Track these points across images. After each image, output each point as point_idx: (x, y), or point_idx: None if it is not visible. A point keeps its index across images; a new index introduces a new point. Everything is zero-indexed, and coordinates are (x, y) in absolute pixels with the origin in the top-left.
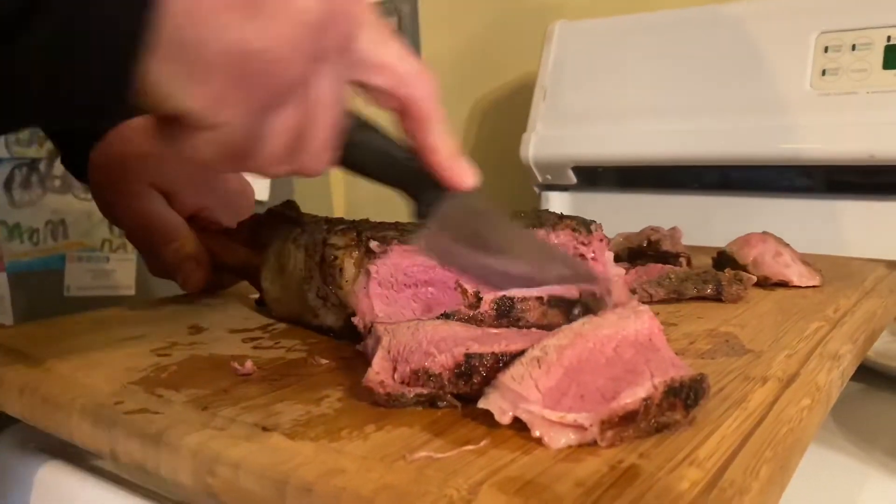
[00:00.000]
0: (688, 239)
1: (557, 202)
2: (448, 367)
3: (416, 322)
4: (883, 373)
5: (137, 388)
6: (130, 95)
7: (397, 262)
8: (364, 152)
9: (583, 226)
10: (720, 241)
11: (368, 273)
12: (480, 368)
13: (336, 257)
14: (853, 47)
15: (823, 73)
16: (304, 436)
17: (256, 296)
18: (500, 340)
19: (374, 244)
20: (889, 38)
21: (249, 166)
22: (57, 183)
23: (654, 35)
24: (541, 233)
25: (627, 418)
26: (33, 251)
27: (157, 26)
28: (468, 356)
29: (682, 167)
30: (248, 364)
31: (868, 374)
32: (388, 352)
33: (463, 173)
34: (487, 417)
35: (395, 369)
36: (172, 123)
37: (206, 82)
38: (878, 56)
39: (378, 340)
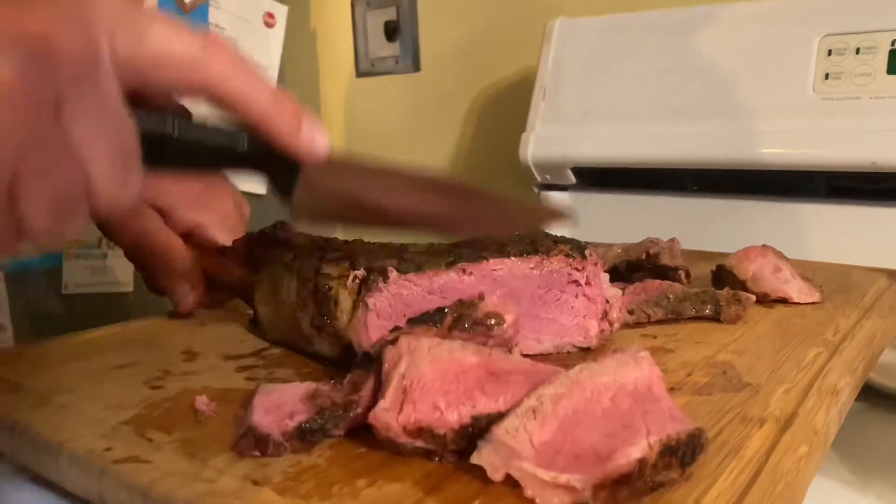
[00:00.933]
0: (687, 243)
1: (556, 202)
2: (454, 427)
3: (437, 345)
4: (884, 392)
5: (128, 430)
6: None
7: (396, 291)
8: (183, 148)
9: (577, 251)
10: (719, 245)
11: (367, 306)
12: (484, 428)
13: (331, 288)
14: (857, 51)
15: (826, 76)
16: (295, 492)
17: (251, 313)
18: (510, 384)
19: (366, 274)
20: (894, 42)
21: (27, 248)
22: None
23: (656, 34)
24: (535, 259)
25: (621, 481)
26: (30, 249)
27: None
28: (475, 419)
29: (683, 169)
30: (208, 406)
31: (868, 392)
32: (403, 378)
33: (311, 142)
34: (481, 471)
35: (402, 406)
36: None
37: None
38: (883, 60)
39: (397, 362)
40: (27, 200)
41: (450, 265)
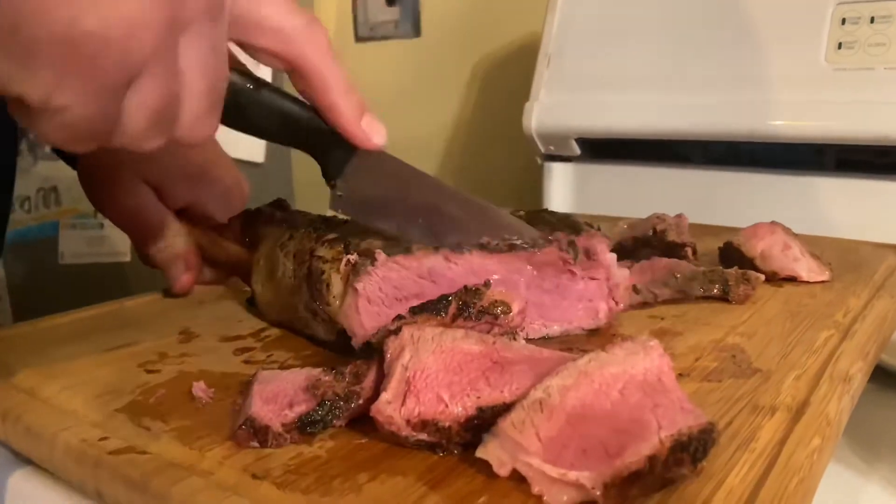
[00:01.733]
0: (694, 216)
1: (560, 173)
2: (458, 420)
3: (440, 334)
4: (892, 373)
5: (123, 418)
6: None
7: (385, 275)
8: (258, 114)
9: (570, 247)
10: (727, 219)
11: (356, 291)
12: (490, 420)
13: (323, 272)
14: (871, 20)
15: (839, 46)
16: (295, 486)
17: (249, 290)
18: (515, 374)
19: (357, 258)
20: None
21: (115, 143)
22: (48, 149)
23: (664, 0)
24: (524, 255)
25: (632, 478)
26: (26, 219)
27: None
28: (480, 410)
29: (690, 141)
30: (206, 392)
31: (876, 373)
32: (406, 369)
33: (370, 132)
34: (486, 464)
35: (405, 398)
36: (20, 105)
37: (36, 68)
38: None
39: (400, 353)
40: (136, 99)
41: (437, 249)
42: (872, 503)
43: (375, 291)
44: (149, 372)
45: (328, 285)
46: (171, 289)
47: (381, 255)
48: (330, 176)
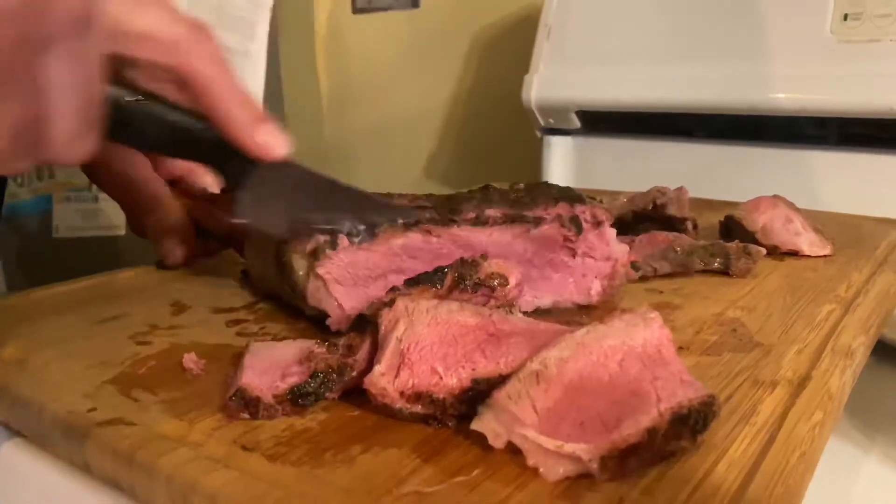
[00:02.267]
0: (695, 191)
1: (560, 147)
2: (453, 392)
3: (435, 306)
4: (893, 346)
5: (112, 390)
6: None
7: (352, 259)
8: (146, 128)
9: (573, 223)
10: (728, 194)
11: (318, 276)
12: (485, 392)
13: (284, 253)
14: None
15: (845, 17)
16: (286, 458)
17: (244, 262)
18: (511, 346)
19: (318, 243)
20: None
21: None
22: None
23: None
24: (519, 228)
25: (629, 451)
26: (20, 192)
27: None
28: (475, 382)
29: (691, 114)
30: (197, 364)
31: (879, 347)
32: (400, 341)
33: (271, 142)
34: (481, 436)
35: (399, 370)
36: None
37: None
38: None
39: (394, 325)
40: None
41: (409, 227)
42: (871, 477)
43: (344, 274)
44: (139, 343)
45: (292, 268)
46: (164, 262)
47: (343, 241)
48: (230, 187)
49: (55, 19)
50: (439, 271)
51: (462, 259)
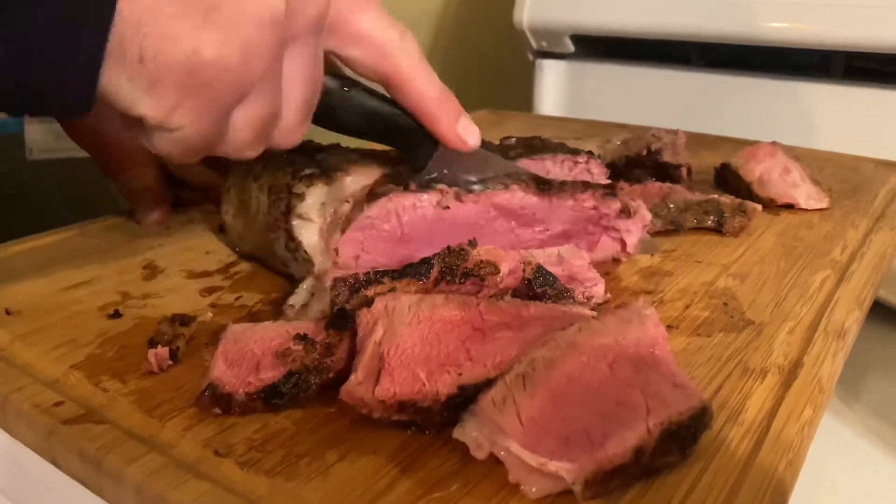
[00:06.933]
0: (691, 124)
1: (553, 71)
2: (439, 400)
3: (418, 301)
4: (884, 305)
5: (80, 376)
6: (91, 100)
7: (377, 224)
8: (348, 114)
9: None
10: (725, 127)
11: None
12: (471, 398)
13: (301, 215)
14: None
15: None
16: (260, 467)
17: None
18: (498, 343)
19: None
20: None
21: (219, 153)
22: None
23: None
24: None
25: (615, 472)
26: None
27: (110, 37)
28: (461, 388)
29: (690, 42)
30: (160, 358)
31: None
32: (379, 345)
33: (465, 135)
34: (460, 443)
35: (378, 377)
36: (135, 122)
37: (158, 93)
38: None
39: (372, 328)
40: (242, 116)
41: (426, 185)
42: (847, 449)
43: (371, 241)
44: (109, 317)
45: (303, 232)
46: (138, 221)
47: (371, 208)
48: (416, 168)
49: (302, 21)
50: (425, 262)
51: (448, 248)
